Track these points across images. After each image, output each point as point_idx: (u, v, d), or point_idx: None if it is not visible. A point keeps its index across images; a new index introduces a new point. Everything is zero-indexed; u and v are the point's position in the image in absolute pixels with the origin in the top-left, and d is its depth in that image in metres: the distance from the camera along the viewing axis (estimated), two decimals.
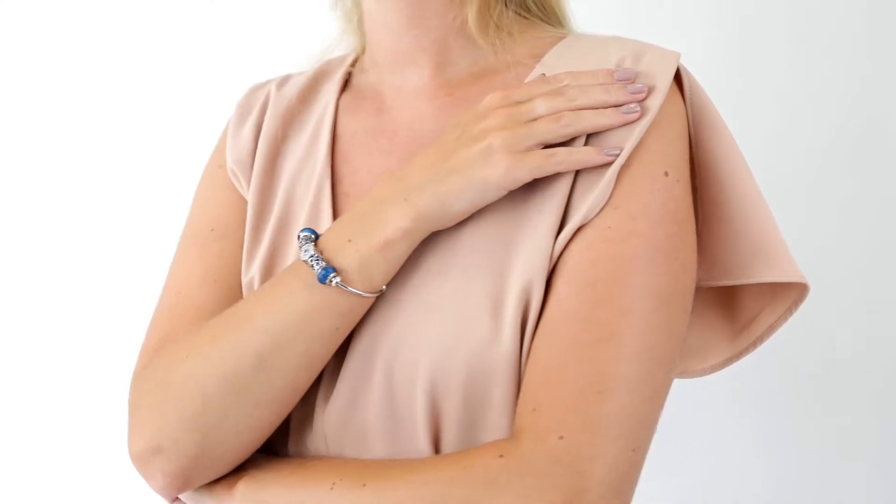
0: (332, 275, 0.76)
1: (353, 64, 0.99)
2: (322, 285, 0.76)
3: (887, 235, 1.62)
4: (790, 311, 0.88)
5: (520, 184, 0.77)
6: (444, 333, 0.76)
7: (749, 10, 1.62)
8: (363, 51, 0.99)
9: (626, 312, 0.73)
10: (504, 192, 0.77)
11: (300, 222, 0.88)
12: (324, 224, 0.85)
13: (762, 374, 1.67)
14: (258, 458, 0.82)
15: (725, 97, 1.63)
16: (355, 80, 0.96)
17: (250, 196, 0.92)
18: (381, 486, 0.72)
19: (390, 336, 0.78)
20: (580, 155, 0.77)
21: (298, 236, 0.80)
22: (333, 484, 0.74)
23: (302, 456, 0.82)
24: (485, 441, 0.76)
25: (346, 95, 0.95)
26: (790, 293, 0.88)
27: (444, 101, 0.88)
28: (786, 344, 1.63)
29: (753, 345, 0.92)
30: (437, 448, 0.78)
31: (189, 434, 0.77)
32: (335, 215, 0.87)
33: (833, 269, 1.61)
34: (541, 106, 0.78)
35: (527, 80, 0.85)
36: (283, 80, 1.00)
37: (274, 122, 0.95)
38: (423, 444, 0.78)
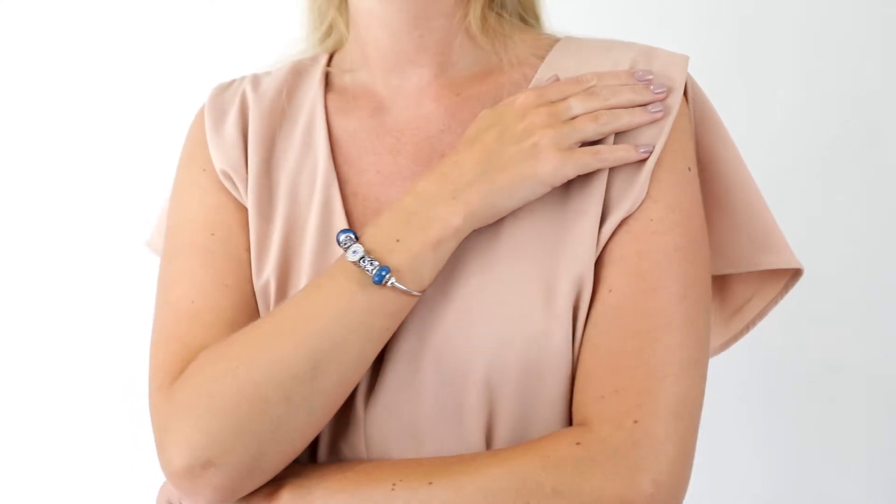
0: (388, 275, 0.76)
1: (328, 63, 0.97)
2: (376, 286, 0.76)
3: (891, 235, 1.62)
4: (781, 294, 0.93)
5: (566, 180, 0.80)
6: (500, 327, 0.77)
7: (749, 9, 1.62)
8: (335, 50, 0.97)
9: (679, 300, 0.77)
10: (549, 189, 0.80)
11: (310, 224, 0.86)
12: (337, 225, 0.84)
13: (762, 375, 1.67)
14: (295, 466, 0.80)
15: (727, 96, 1.63)
16: (338, 81, 0.94)
17: (250, 198, 0.89)
18: (450, 483, 0.73)
19: (439, 333, 0.78)
20: (620, 152, 0.81)
21: (338, 239, 0.79)
22: (394, 485, 0.75)
23: (338, 460, 0.81)
24: (536, 434, 0.78)
25: (331, 95, 0.93)
26: (781, 278, 0.93)
27: (451, 101, 0.89)
28: (787, 343, 1.65)
29: (746, 328, 0.97)
30: (488, 443, 0.79)
31: (244, 445, 0.74)
32: (347, 216, 0.86)
33: (835, 267, 1.61)
34: (577, 105, 0.82)
35: (536, 81, 0.87)
36: (255, 80, 0.97)
37: (262, 123, 0.92)
38: (476, 440, 0.78)
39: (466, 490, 0.73)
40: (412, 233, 0.78)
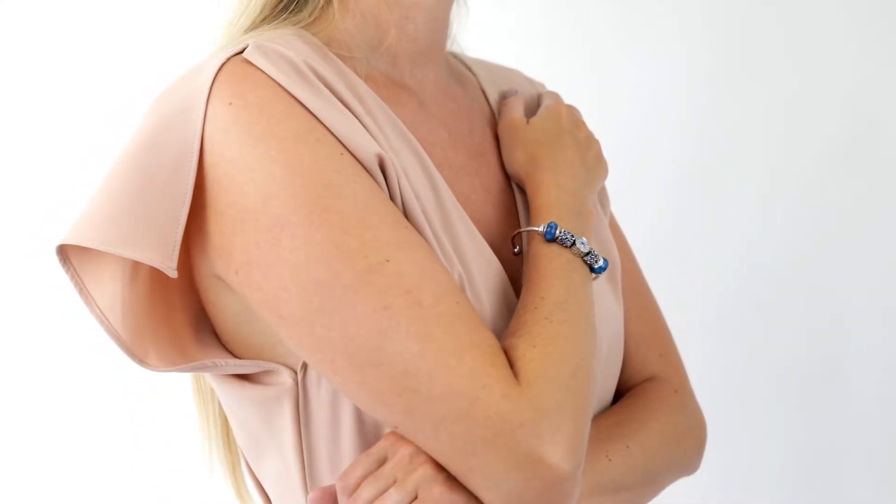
0: (608, 266, 0.84)
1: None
2: (590, 276, 0.83)
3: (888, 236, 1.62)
4: None
5: None
6: (612, 306, 0.92)
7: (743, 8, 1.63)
8: (305, 26, 0.85)
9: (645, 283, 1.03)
10: None
11: (436, 218, 0.80)
12: (456, 222, 0.81)
13: (761, 376, 1.67)
14: None
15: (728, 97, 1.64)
16: (359, 69, 0.84)
17: (397, 186, 0.78)
18: (638, 445, 0.88)
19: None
20: None
21: (552, 232, 0.81)
22: (608, 456, 0.85)
23: None
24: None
25: (370, 84, 0.84)
26: None
27: (461, 102, 0.92)
28: (787, 345, 1.65)
29: None
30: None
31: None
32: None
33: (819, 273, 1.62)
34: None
35: (486, 91, 0.97)
36: (299, 55, 0.81)
37: (355, 103, 0.80)
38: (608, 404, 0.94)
39: (650, 445, 0.89)
40: (583, 230, 0.83)
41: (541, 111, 0.94)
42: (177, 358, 0.78)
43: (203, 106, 0.74)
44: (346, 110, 0.78)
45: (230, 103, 0.74)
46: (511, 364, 0.73)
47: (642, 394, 0.94)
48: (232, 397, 0.84)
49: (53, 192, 1.67)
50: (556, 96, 1.00)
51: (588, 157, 0.91)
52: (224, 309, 0.79)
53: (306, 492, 0.81)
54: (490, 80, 0.98)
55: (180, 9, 1.61)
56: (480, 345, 0.73)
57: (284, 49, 0.77)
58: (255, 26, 0.83)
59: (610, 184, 0.99)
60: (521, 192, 0.90)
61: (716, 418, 1.52)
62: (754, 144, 1.64)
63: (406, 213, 0.77)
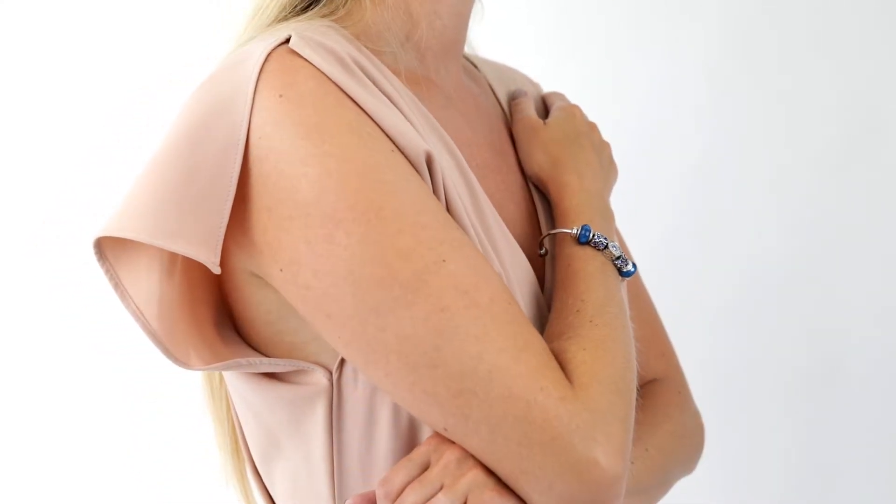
0: (635, 270, 0.85)
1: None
2: (621, 279, 0.83)
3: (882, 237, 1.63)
4: None
5: None
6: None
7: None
8: (336, 20, 0.83)
9: None
10: None
11: (475, 218, 0.80)
12: (492, 222, 0.81)
13: (764, 377, 1.67)
14: None
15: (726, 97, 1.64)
16: (389, 64, 0.82)
17: (441, 184, 0.78)
18: (656, 448, 0.89)
19: None
20: None
21: (587, 234, 0.82)
22: (647, 450, 0.88)
23: None
24: None
25: (400, 79, 0.83)
26: None
27: (479, 99, 0.92)
28: (784, 346, 1.65)
29: None
30: None
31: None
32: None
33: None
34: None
35: (496, 88, 0.97)
36: (342, 48, 0.79)
37: (397, 98, 0.79)
38: None
39: (667, 448, 0.91)
40: (610, 229, 0.85)
41: (555, 112, 0.94)
42: (208, 356, 0.75)
43: (250, 96, 0.71)
44: (393, 105, 0.76)
45: (280, 95, 0.71)
46: (562, 367, 0.73)
47: (652, 396, 0.94)
48: (258, 397, 0.81)
49: (53, 192, 1.66)
50: (562, 97, 1.00)
51: (604, 159, 0.92)
52: (256, 307, 0.77)
53: (333, 496, 0.79)
54: (498, 79, 0.98)
55: (180, 9, 1.61)
56: (535, 347, 0.72)
57: (327, 41, 0.75)
58: (282, 18, 0.80)
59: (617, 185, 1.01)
60: (539, 193, 0.90)
61: (717, 419, 1.53)
62: (757, 146, 1.64)
63: (450, 212, 0.76)
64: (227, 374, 0.84)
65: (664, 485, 0.91)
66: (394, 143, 0.74)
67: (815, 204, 1.63)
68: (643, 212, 1.56)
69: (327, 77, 0.73)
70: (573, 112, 0.94)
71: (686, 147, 1.64)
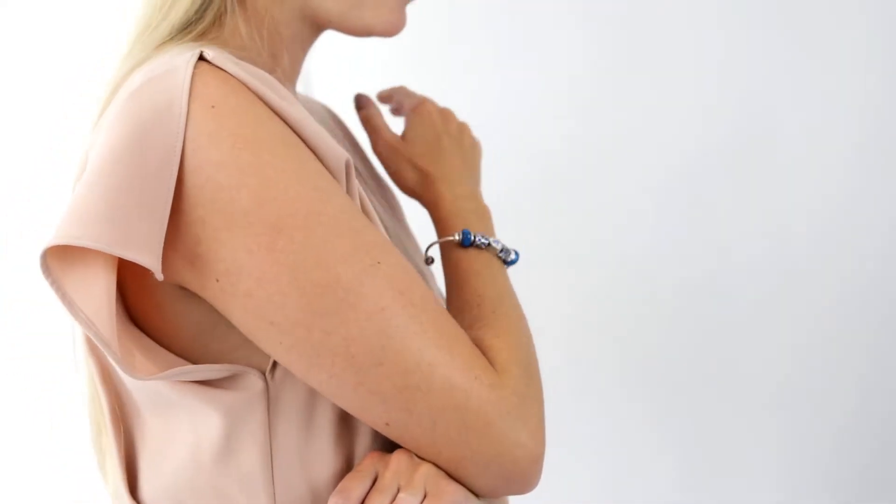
0: (518, 259, 0.91)
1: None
2: (506, 267, 0.90)
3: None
4: None
5: None
6: None
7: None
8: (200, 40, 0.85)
9: None
10: None
11: (383, 220, 0.90)
12: (398, 223, 0.92)
13: (663, 375, 1.72)
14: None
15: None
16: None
17: (357, 191, 0.80)
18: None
19: None
20: None
21: (468, 237, 0.89)
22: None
23: None
24: None
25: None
26: None
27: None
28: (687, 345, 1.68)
29: None
30: None
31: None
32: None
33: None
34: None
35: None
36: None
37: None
38: None
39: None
40: (487, 225, 0.93)
41: (410, 119, 1.01)
42: (151, 366, 0.76)
43: (184, 107, 0.72)
44: (310, 115, 0.78)
45: (213, 106, 0.72)
46: (483, 354, 0.79)
47: None
48: (195, 403, 0.79)
49: (55, 192, 1.68)
50: (407, 93, 1.05)
51: (466, 149, 0.99)
52: (181, 318, 0.78)
53: (272, 498, 0.79)
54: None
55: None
56: (463, 339, 0.77)
57: (234, 57, 0.77)
58: (169, 39, 0.81)
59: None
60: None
61: (610, 415, 1.55)
62: (639, 147, 1.69)
63: (369, 217, 0.79)
64: (159, 386, 0.81)
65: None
66: (315, 152, 0.76)
67: (718, 202, 1.71)
68: (546, 210, 1.67)
69: (251, 90, 0.75)
70: (425, 113, 1.00)
71: (591, 146, 1.71)
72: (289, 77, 0.89)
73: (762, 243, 1.73)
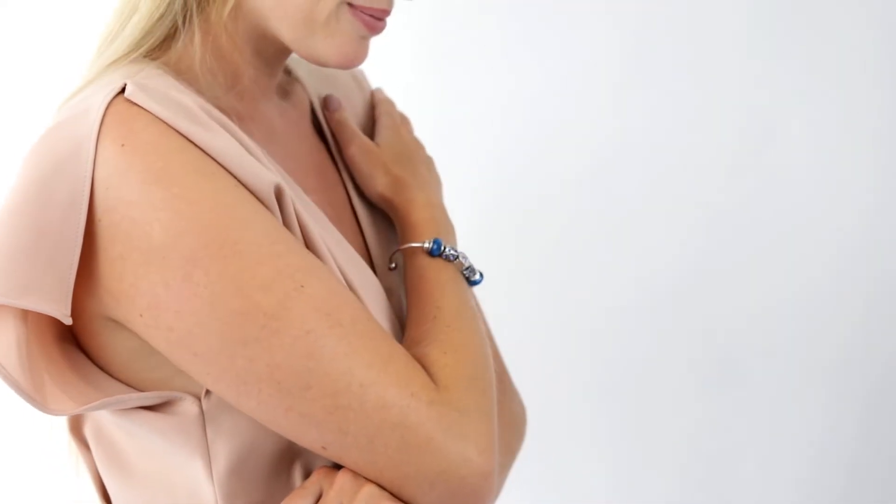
0: (482, 280, 0.91)
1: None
2: (469, 286, 0.90)
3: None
4: None
5: None
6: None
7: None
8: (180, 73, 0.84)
9: None
10: None
11: (324, 241, 0.83)
12: (336, 245, 0.84)
13: (664, 376, 1.72)
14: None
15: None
16: (222, 106, 0.85)
17: (293, 213, 0.80)
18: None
19: None
20: None
21: (437, 248, 0.88)
22: None
23: None
24: None
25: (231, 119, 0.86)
26: None
27: (298, 122, 0.97)
28: (678, 345, 1.68)
29: None
30: None
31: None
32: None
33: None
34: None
35: (311, 93, 0.98)
36: (179, 92, 0.81)
37: (240, 135, 0.82)
38: None
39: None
40: (454, 240, 0.92)
41: (383, 132, 1.00)
42: (78, 397, 0.77)
43: (92, 150, 0.73)
44: (236, 142, 0.78)
45: (122, 144, 0.73)
46: (427, 370, 0.77)
47: None
48: (137, 429, 0.82)
49: None
50: (388, 103, 1.04)
51: (428, 161, 0.99)
52: (117, 349, 0.79)
53: None
54: (313, 84, 0.99)
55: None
56: (400, 357, 0.76)
57: (164, 86, 0.77)
58: (126, 52, 0.81)
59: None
60: (364, 208, 0.95)
61: (611, 417, 1.56)
62: (654, 148, 1.71)
63: (308, 239, 0.79)
64: (103, 416, 0.84)
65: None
66: (238, 179, 0.76)
67: (710, 205, 1.70)
68: (542, 212, 1.62)
69: (165, 123, 0.75)
70: (399, 132, 1.00)
71: (584, 148, 1.70)
72: (262, 90, 0.88)
73: (762, 245, 1.72)
